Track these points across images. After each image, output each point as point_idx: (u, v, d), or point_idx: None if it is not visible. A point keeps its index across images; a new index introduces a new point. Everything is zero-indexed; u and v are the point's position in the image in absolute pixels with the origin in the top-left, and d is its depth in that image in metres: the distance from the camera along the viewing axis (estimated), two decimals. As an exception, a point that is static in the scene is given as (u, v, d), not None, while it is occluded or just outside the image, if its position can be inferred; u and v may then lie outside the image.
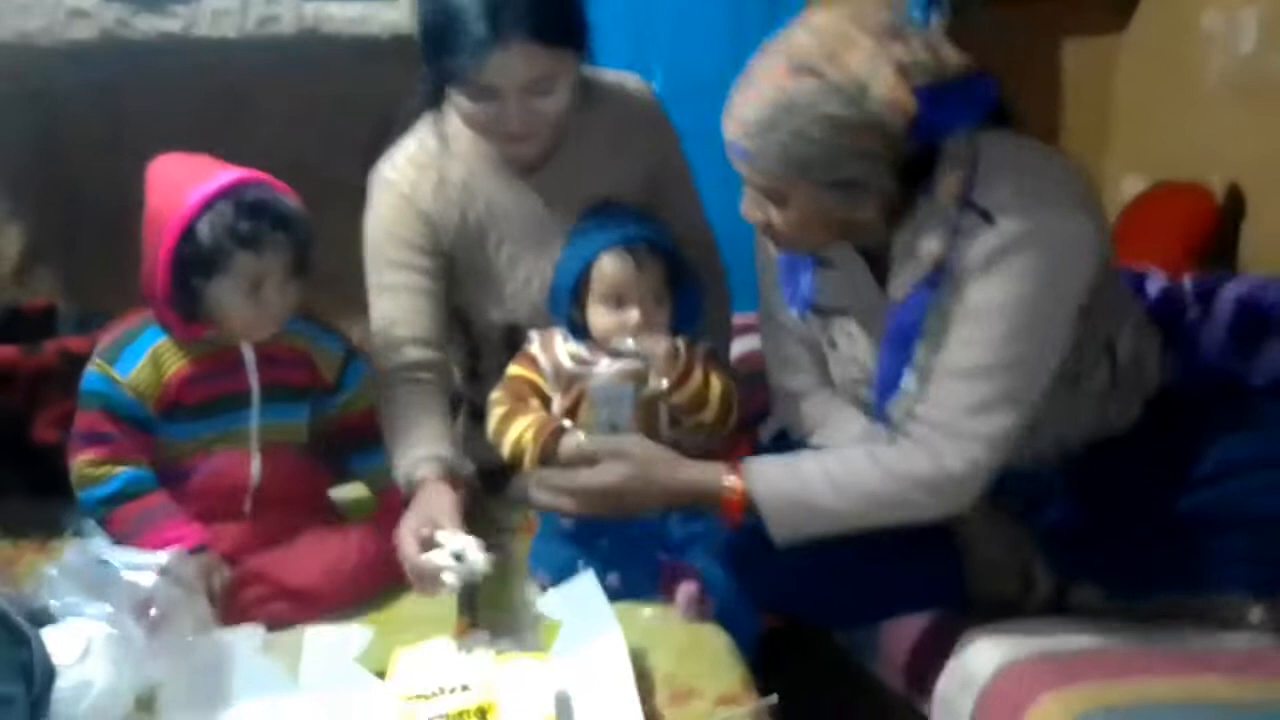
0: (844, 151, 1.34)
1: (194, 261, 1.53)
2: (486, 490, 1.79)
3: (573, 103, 1.66)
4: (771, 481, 1.46)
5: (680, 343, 1.61)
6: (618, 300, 1.60)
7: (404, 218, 1.73)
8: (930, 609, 1.57)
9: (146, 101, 1.95)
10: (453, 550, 1.46)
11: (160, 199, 1.55)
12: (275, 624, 1.53)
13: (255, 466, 1.63)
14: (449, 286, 1.77)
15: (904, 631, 1.60)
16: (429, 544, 1.49)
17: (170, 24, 2.05)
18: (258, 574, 1.58)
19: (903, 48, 1.33)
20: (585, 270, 1.62)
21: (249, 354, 1.63)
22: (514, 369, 1.68)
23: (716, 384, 1.61)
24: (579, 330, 1.65)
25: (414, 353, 1.72)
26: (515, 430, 1.62)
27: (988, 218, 1.36)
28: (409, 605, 1.58)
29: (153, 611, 1.37)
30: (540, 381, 1.65)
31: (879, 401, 1.48)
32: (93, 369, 1.59)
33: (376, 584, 1.60)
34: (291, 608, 1.56)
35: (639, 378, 1.61)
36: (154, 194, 1.55)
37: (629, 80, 1.80)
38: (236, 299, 1.56)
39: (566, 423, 1.61)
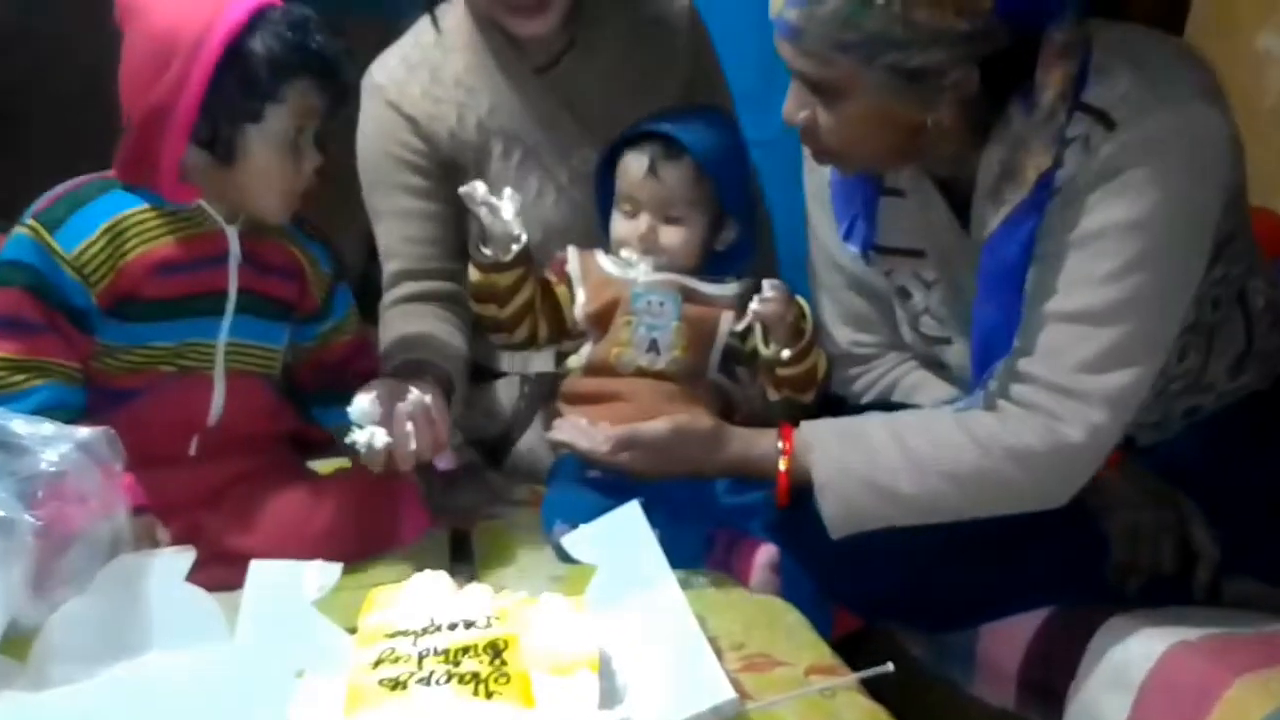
0: (917, 28, 1.11)
1: (243, 89, 1.21)
2: (487, 461, 1.59)
3: None
4: (832, 455, 1.24)
5: (805, 306, 1.39)
6: (631, 207, 1.40)
7: (391, 129, 1.52)
8: (1053, 601, 1.27)
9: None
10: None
11: (174, 17, 1.21)
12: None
13: (217, 399, 1.31)
14: (458, 207, 1.51)
15: (1010, 631, 1.29)
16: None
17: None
18: (198, 532, 1.26)
19: None
20: (605, 168, 1.43)
21: (235, 244, 1.31)
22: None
23: (823, 364, 1.40)
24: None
25: (413, 287, 1.51)
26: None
27: (1105, 120, 1.14)
28: (387, 570, 1.27)
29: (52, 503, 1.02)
30: (560, 287, 1.43)
31: (978, 362, 1.24)
32: (23, 232, 1.23)
33: (347, 551, 1.28)
34: (236, 573, 1.21)
35: (686, 293, 1.40)
36: (156, 16, 1.22)
37: None
38: (280, 148, 1.25)
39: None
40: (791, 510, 1.28)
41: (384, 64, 1.54)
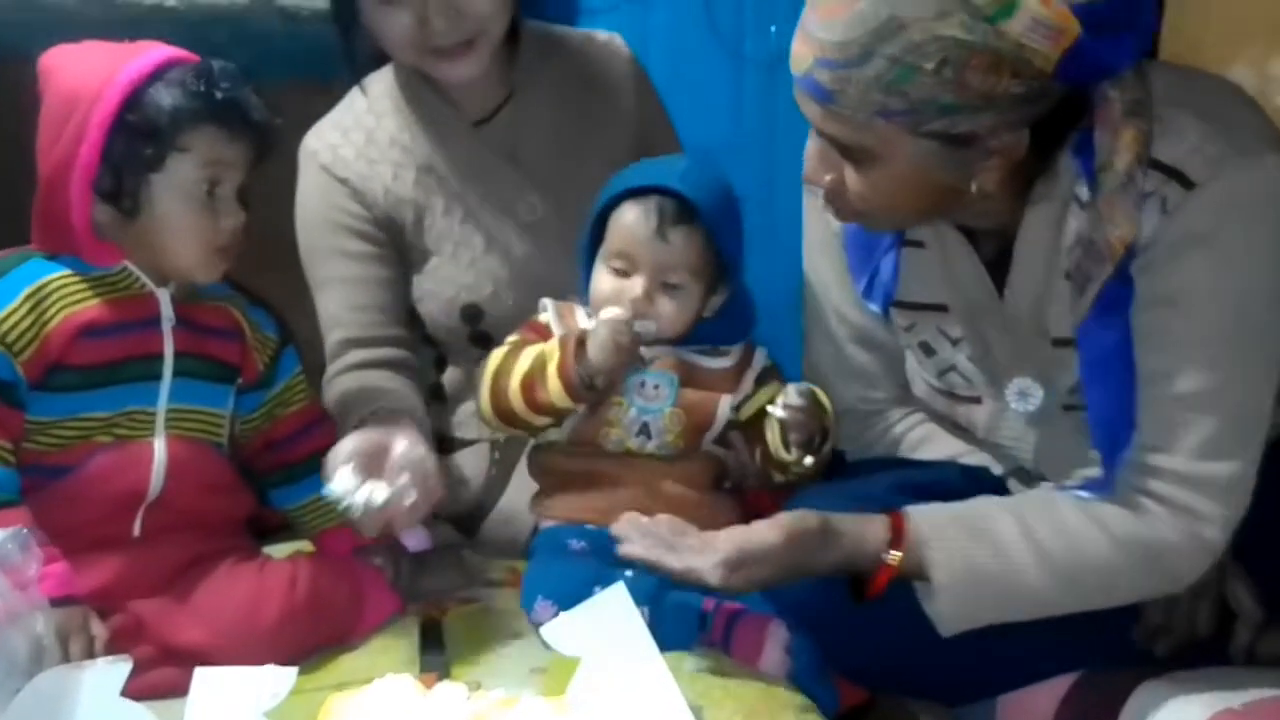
0: (969, 93, 1.00)
1: (144, 139, 1.16)
2: (461, 534, 1.51)
3: (507, 7, 1.40)
4: (955, 552, 1.13)
5: (829, 405, 1.26)
6: (625, 265, 1.27)
7: (328, 195, 1.47)
8: (1076, 666, 1.19)
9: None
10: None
11: (79, 76, 1.18)
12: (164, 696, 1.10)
13: (158, 467, 1.21)
14: (401, 269, 1.48)
15: (1033, 700, 1.21)
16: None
17: (97, -15, 1.73)
18: (140, 625, 1.17)
19: None
20: (603, 217, 1.29)
21: (167, 306, 1.23)
22: (518, 335, 1.33)
23: (828, 450, 1.28)
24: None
25: (361, 355, 1.43)
26: (531, 351, 1.27)
27: (1181, 179, 1.06)
28: (351, 664, 1.18)
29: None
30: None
31: (1105, 451, 1.12)
32: None
33: (306, 642, 1.20)
34: (185, 675, 1.12)
35: (682, 370, 1.28)
36: (64, 76, 1.19)
37: (599, 34, 1.57)
38: (190, 201, 1.19)
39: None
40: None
41: (318, 131, 1.49)
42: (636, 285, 1.25)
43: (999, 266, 1.17)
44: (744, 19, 2.18)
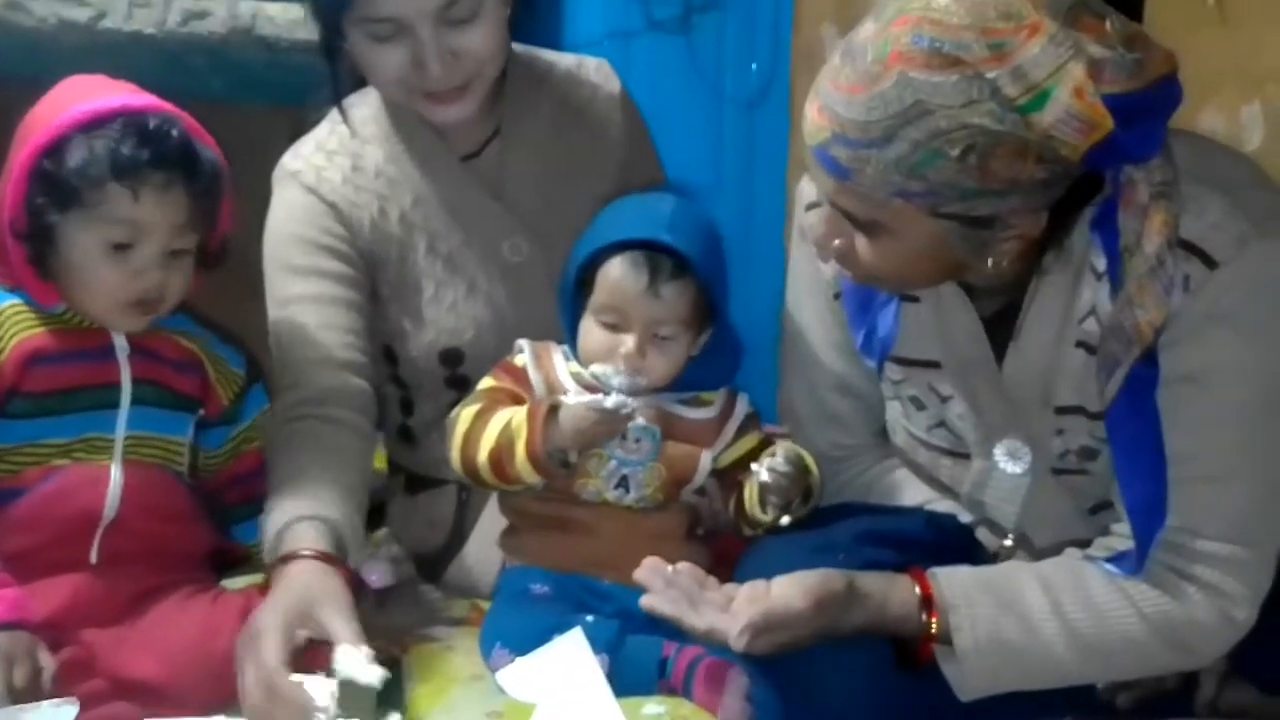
0: (989, 179, 0.98)
1: (52, 188, 1.15)
2: (422, 576, 1.46)
3: (504, 49, 1.36)
4: (982, 620, 1.11)
5: (815, 468, 1.24)
6: (614, 319, 1.24)
7: (308, 214, 1.40)
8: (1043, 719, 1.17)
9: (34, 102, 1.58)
10: (342, 677, 1.06)
11: (40, 109, 1.19)
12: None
13: (114, 489, 1.20)
14: (371, 301, 1.42)
15: None
16: (308, 660, 1.08)
17: (75, 11, 1.75)
18: (90, 655, 1.16)
19: (1094, 32, 0.98)
20: (589, 265, 1.26)
21: (119, 338, 1.23)
22: (492, 381, 1.30)
23: (806, 512, 1.25)
24: (573, 346, 1.29)
25: (324, 378, 1.34)
26: (499, 420, 1.23)
27: (1204, 258, 1.04)
28: None
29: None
30: (524, 397, 1.27)
31: (1140, 532, 1.09)
32: None
33: None
34: (136, 709, 1.13)
35: (665, 422, 1.25)
36: (39, 106, 1.20)
37: (589, 62, 1.53)
38: (94, 256, 1.18)
39: (567, 396, 1.22)
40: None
41: (298, 152, 1.44)
42: (629, 340, 1.23)
43: (997, 325, 1.16)
44: (725, 57, 2.20)
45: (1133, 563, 1.10)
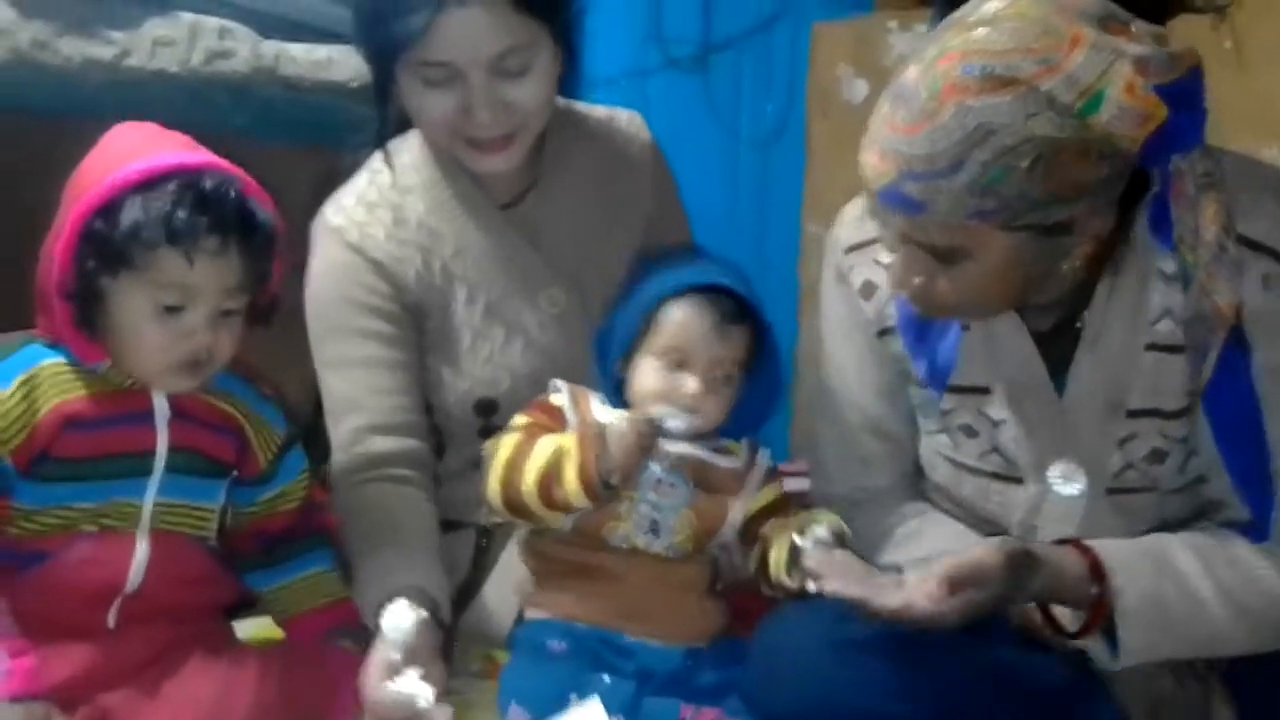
0: (1058, 185, 1.02)
1: (102, 250, 1.13)
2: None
3: (551, 104, 1.37)
4: (1141, 582, 1.13)
5: (847, 532, 1.25)
6: (678, 360, 1.26)
7: (355, 273, 1.40)
8: None
9: (61, 139, 1.60)
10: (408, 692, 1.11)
11: (92, 164, 1.16)
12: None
13: (139, 561, 1.19)
14: (420, 355, 1.43)
15: None
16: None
17: (100, 50, 1.73)
18: (106, 718, 1.15)
19: (1126, 35, 1.03)
20: (649, 313, 1.27)
21: (160, 401, 1.21)
22: (528, 417, 1.30)
23: None
24: (616, 395, 1.30)
25: (382, 444, 1.38)
26: (546, 444, 1.23)
27: (1275, 256, 1.11)
28: None
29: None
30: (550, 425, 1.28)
31: (1257, 505, 1.13)
32: None
33: None
34: None
35: (696, 470, 1.27)
36: (89, 159, 1.17)
37: (621, 114, 1.54)
38: (144, 317, 1.15)
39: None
40: (768, 683, 1.17)
41: (339, 205, 1.43)
42: (690, 382, 1.24)
43: (1049, 345, 1.18)
44: (741, 97, 2.22)
45: (1255, 535, 1.13)
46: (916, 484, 1.33)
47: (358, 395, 1.39)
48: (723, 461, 1.29)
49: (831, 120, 2.11)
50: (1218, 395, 1.10)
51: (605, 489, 1.21)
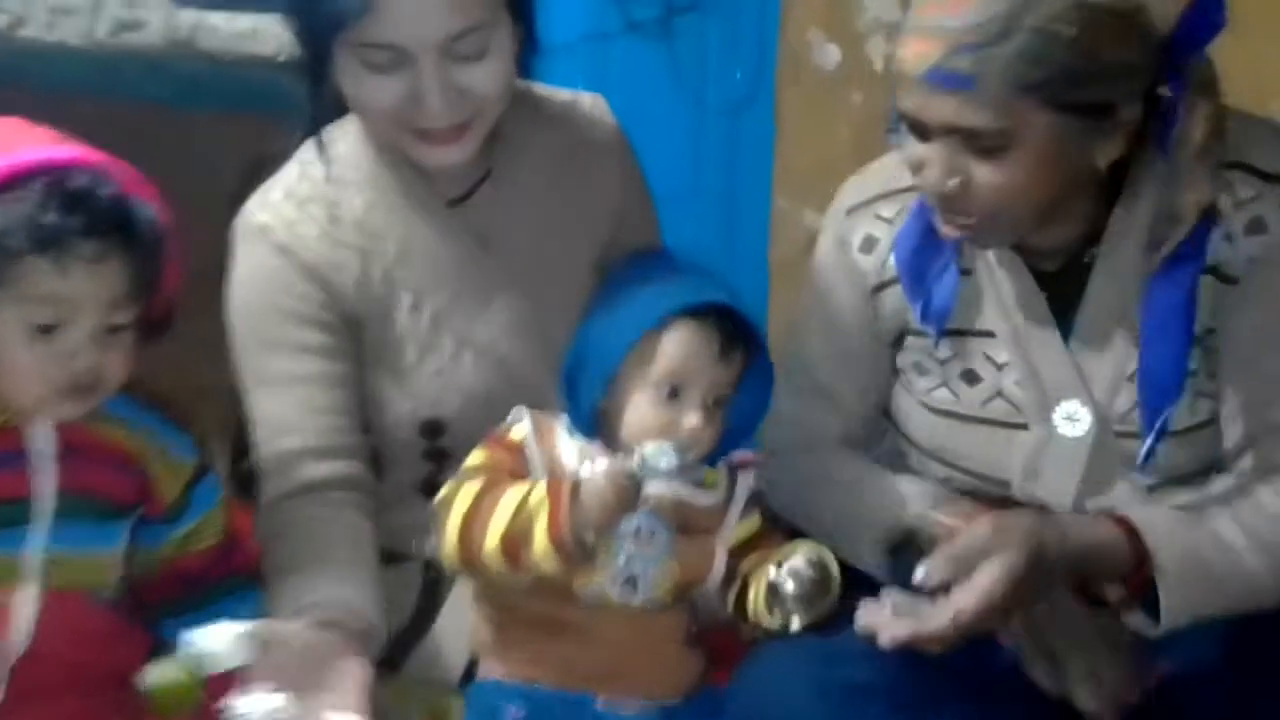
0: (1100, 60, 1.07)
1: None
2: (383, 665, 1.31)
3: (510, 89, 1.25)
4: (1177, 537, 1.14)
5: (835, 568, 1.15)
6: (673, 390, 1.14)
7: (284, 279, 1.27)
8: None
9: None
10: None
11: None
12: None
13: (25, 619, 1.06)
14: (358, 368, 1.30)
15: None
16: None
17: (-12, 17, 1.57)
18: None
19: None
20: (638, 339, 1.15)
21: (42, 438, 1.08)
22: (484, 457, 1.17)
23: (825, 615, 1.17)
24: (590, 426, 1.17)
25: (318, 469, 1.26)
26: (511, 499, 1.11)
27: (1264, 177, 1.15)
28: None
29: None
30: (524, 474, 1.16)
31: (1149, 405, 1.16)
32: None
33: None
34: None
35: (678, 512, 1.15)
36: None
37: (583, 99, 1.41)
38: (14, 339, 1.04)
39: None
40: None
41: (266, 201, 1.29)
42: (692, 416, 1.14)
43: (1053, 284, 1.20)
44: (707, 62, 2.11)
45: (1145, 457, 1.15)
46: (862, 445, 1.33)
47: (290, 415, 1.27)
48: (703, 499, 1.18)
49: (803, 87, 2.04)
50: (1158, 287, 1.14)
51: (580, 550, 1.09)
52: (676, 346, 1.13)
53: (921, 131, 1.11)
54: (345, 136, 1.30)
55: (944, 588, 1.08)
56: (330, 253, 1.27)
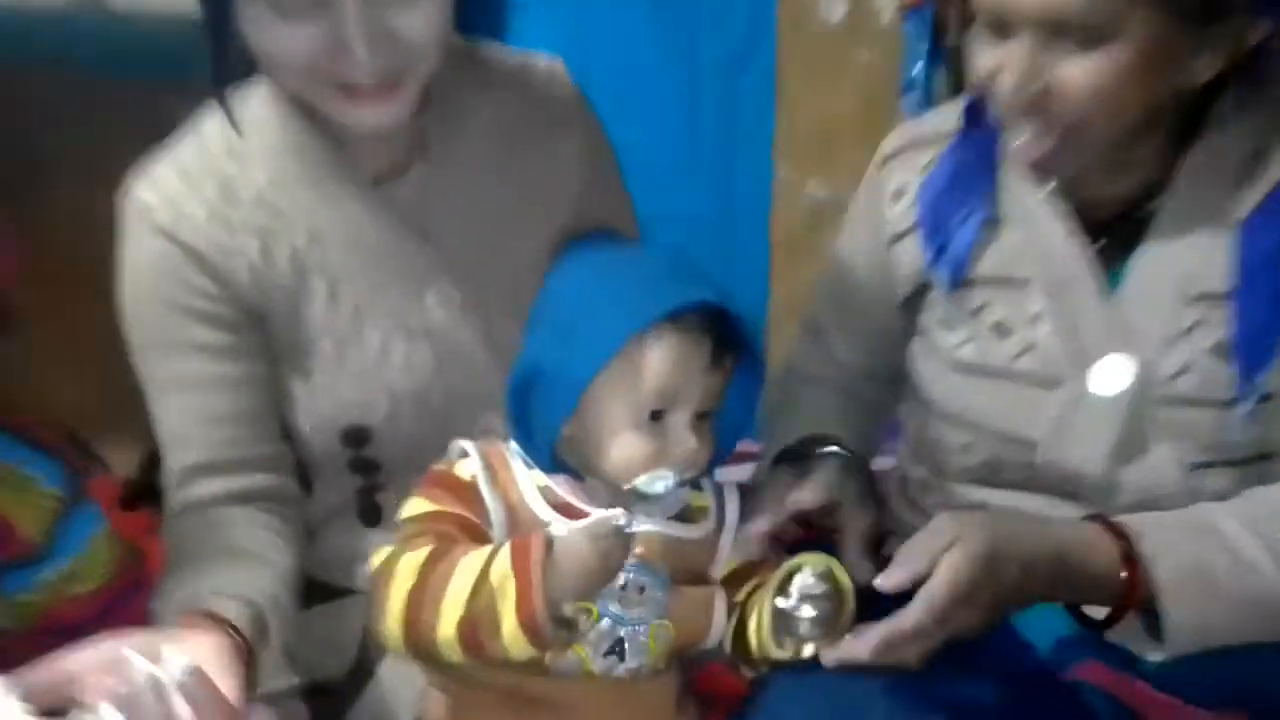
0: None
1: None
2: (324, 714, 1.18)
3: (445, 40, 1.09)
4: (1183, 553, 1.04)
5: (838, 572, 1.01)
6: (664, 402, 0.98)
7: (170, 268, 1.13)
8: None
9: None
10: None
11: None
12: None
13: None
14: (269, 367, 1.17)
15: None
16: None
17: None
18: None
19: None
20: (615, 353, 0.96)
21: None
22: (429, 502, 1.00)
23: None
24: (549, 458, 0.99)
25: (218, 485, 1.14)
26: (465, 572, 0.92)
27: None
28: None
29: None
30: (479, 526, 0.98)
31: (1246, 361, 1.08)
32: None
33: None
34: None
35: (668, 554, 0.99)
36: None
37: (539, 60, 1.25)
38: None
39: (554, 526, 0.95)
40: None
41: (152, 177, 1.13)
42: (687, 437, 0.97)
43: (1101, 234, 1.15)
44: (700, 15, 2.05)
45: (1241, 393, 1.08)
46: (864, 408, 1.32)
47: (185, 426, 1.14)
48: (693, 532, 1.02)
49: (805, 43, 2.00)
50: (1255, 229, 1.08)
51: (558, 628, 0.91)
52: (662, 361, 0.96)
53: (1002, 27, 1.04)
54: (254, 100, 1.14)
55: (907, 594, 0.97)
56: (221, 235, 1.12)
